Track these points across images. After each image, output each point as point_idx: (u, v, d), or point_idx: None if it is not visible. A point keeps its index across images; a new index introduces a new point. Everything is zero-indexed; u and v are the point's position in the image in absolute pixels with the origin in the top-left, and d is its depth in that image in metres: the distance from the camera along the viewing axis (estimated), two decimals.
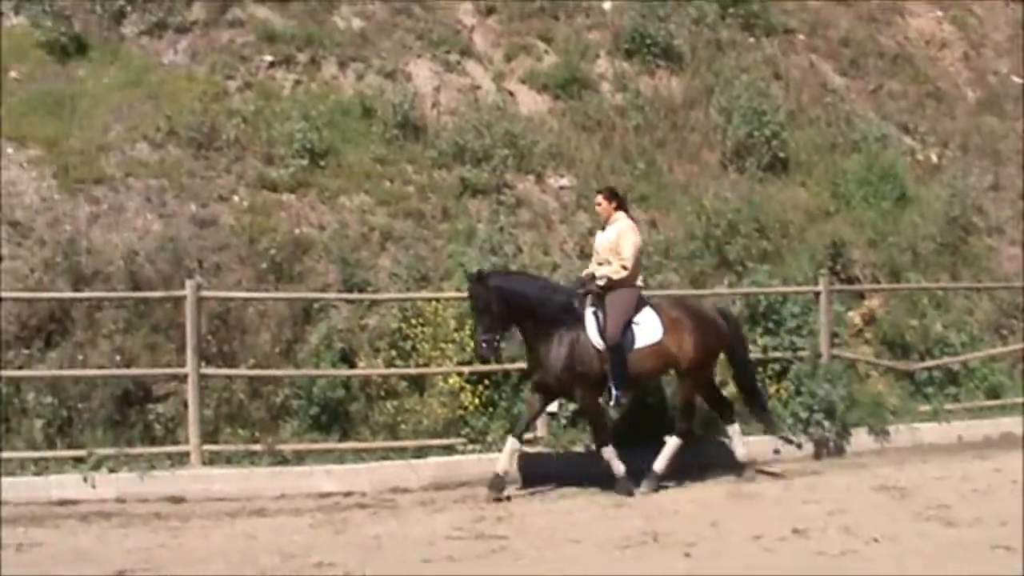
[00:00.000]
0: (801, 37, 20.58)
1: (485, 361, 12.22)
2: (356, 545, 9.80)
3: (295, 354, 13.26)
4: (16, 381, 12.28)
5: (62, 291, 12.95)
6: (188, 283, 12.37)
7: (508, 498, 11.54)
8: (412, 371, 13.19)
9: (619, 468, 11.72)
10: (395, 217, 15.10)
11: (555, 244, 15.61)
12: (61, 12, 16.44)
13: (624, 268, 11.72)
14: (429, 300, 13.50)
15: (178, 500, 11.37)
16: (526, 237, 15.45)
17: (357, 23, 17.86)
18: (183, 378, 12.24)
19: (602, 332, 11.51)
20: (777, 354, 14.15)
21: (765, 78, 19.10)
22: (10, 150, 14.32)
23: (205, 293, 12.58)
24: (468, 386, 12.99)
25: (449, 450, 12.63)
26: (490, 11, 18.92)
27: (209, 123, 15.25)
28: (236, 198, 14.63)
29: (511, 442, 11.63)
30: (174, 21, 16.95)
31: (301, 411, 12.63)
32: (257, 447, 12.20)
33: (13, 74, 15.66)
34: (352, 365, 13.20)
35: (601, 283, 11.74)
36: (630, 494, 11.60)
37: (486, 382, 13.14)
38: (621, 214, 12.10)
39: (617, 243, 11.84)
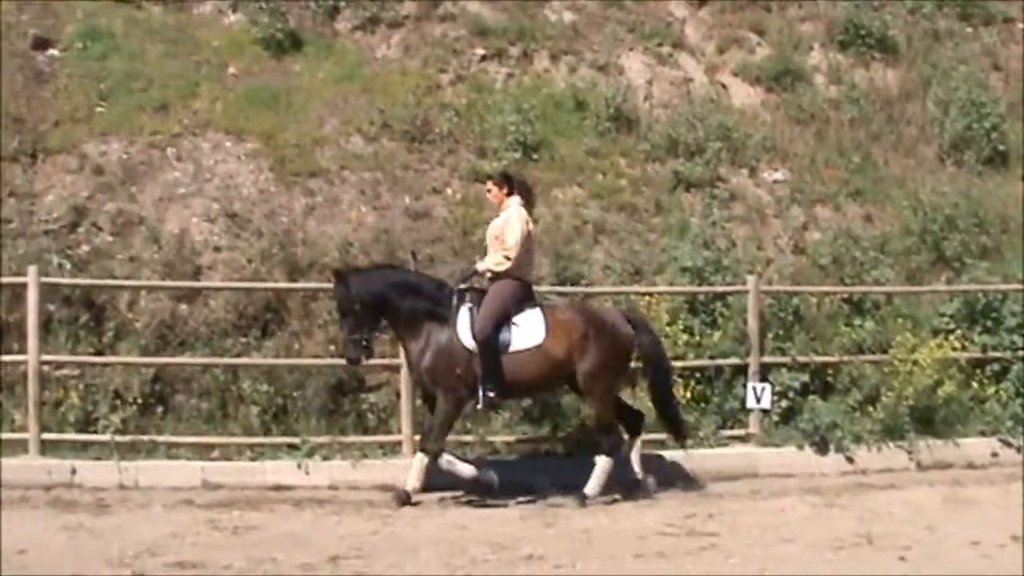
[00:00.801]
0: (1021, 26, 19.66)
1: (353, 363, 11.12)
2: (566, 538, 9.60)
3: None
4: (234, 368, 12.45)
5: (278, 281, 13.12)
6: None
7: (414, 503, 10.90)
8: None
9: (465, 470, 10.88)
10: (608, 211, 14.91)
11: (768, 238, 15.22)
12: (277, 9, 16.68)
13: (507, 259, 10.83)
14: (643, 294, 13.19)
15: (389, 488, 11.24)
16: (739, 231, 15.12)
17: (568, 16, 17.74)
18: (395, 368, 12.19)
19: (473, 329, 10.69)
20: (996, 354, 13.56)
21: (984, 69, 18.39)
22: (228, 143, 14.61)
23: None
24: (680, 380, 12.63)
25: (659, 444, 12.29)
26: (702, 3, 18.64)
27: (422, 116, 15.27)
28: (449, 190, 14.63)
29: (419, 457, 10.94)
30: (387, 16, 17.10)
31: (515, 404, 12.44)
32: (469, 438, 12.08)
33: (231, 70, 15.96)
34: None
35: (488, 276, 11.01)
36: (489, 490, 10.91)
37: (698, 376, 12.82)
38: (513, 201, 11.12)
39: (502, 232, 10.96)
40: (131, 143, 14.48)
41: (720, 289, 13.42)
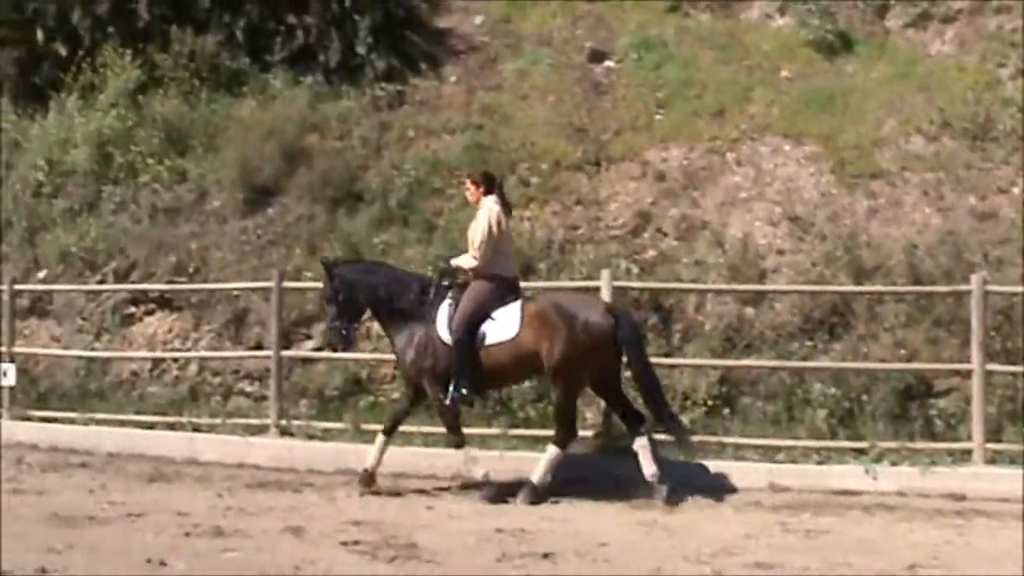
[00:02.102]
0: None
1: (335, 349, 12.01)
2: None
3: None
4: (800, 372, 12.44)
5: (843, 284, 12.99)
6: (973, 277, 11.81)
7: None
8: None
9: (477, 472, 10.81)
10: None
11: None
12: (826, 10, 16.59)
13: (474, 259, 10.79)
14: None
15: (959, 498, 10.83)
16: None
17: None
18: (966, 374, 11.77)
19: (450, 325, 10.72)
20: None
21: None
22: (787, 147, 14.67)
23: (991, 288, 12.05)
24: None
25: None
26: None
27: (983, 114, 14.66)
28: (1015, 190, 13.96)
29: (380, 438, 11.09)
30: (938, 11, 16.54)
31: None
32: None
33: (784, 73, 16.02)
34: None
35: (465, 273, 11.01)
36: (491, 500, 10.53)
37: None
38: (488, 200, 11.01)
39: (472, 231, 10.92)
40: (690, 149, 14.86)
41: None
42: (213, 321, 14.74)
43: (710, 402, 12.45)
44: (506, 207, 11.24)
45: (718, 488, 11.10)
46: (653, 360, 11.46)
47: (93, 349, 15.13)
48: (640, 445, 10.70)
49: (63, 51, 18.04)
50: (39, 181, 17.12)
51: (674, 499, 10.51)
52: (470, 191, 11.34)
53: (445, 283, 11.14)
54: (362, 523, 9.38)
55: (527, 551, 8.46)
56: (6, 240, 16.91)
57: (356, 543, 8.65)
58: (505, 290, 10.87)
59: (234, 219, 15.40)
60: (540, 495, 10.62)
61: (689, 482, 10.97)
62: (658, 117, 15.49)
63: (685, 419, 11.93)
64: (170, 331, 14.92)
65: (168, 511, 9.88)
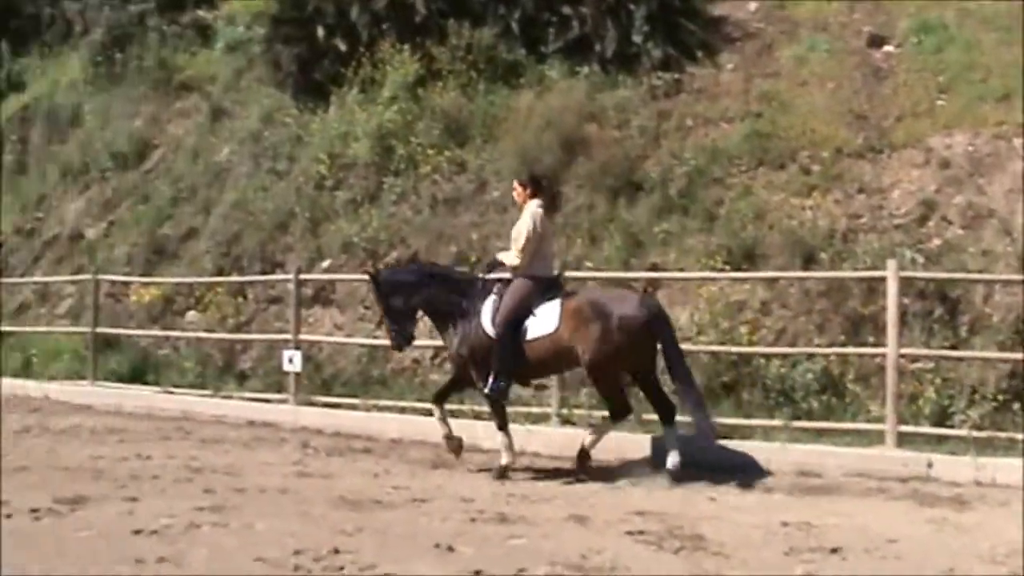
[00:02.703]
0: None
1: (397, 350, 12.74)
2: None
3: None
4: None
5: None
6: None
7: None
8: None
9: (505, 457, 11.42)
10: None
11: None
12: None
13: (516, 257, 11.35)
14: None
15: None
16: None
17: None
18: None
19: (494, 320, 11.27)
20: None
21: None
22: None
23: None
24: None
25: None
26: None
27: None
28: None
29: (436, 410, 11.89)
30: None
31: None
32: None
33: None
34: None
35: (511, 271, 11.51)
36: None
37: None
38: (532, 202, 11.50)
39: (517, 232, 11.40)
40: (975, 135, 14.47)
41: None
42: None
43: (999, 397, 12.14)
44: (551, 208, 12.01)
45: (1007, 486, 10.74)
46: (939, 352, 11.72)
47: (375, 337, 15.74)
48: (670, 435, 11.05)
49: (343, 47, 18.95)
50: (321, 174, 18.03)
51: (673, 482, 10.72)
52: (517, 191, 11.79)
53: (491, 278, 11.81)
54: (646, 513, 9.44)
55: (815, 546, 8.42)
56: (291, 231, 17.85)
57: (641, 533, 8.72)
58: (546, 287, 11.36)
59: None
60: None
61: (986, 481, 10.81)
62: (940, 102, 15.17)
63: (974, 414, 11.87)
64: None
65: (452, 497, 10.16)
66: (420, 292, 11.79)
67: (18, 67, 26.47)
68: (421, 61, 18.20)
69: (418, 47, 18.26)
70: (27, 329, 20.42)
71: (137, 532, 8.47)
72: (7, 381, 18.68)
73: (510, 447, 11.50)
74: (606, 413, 11.45)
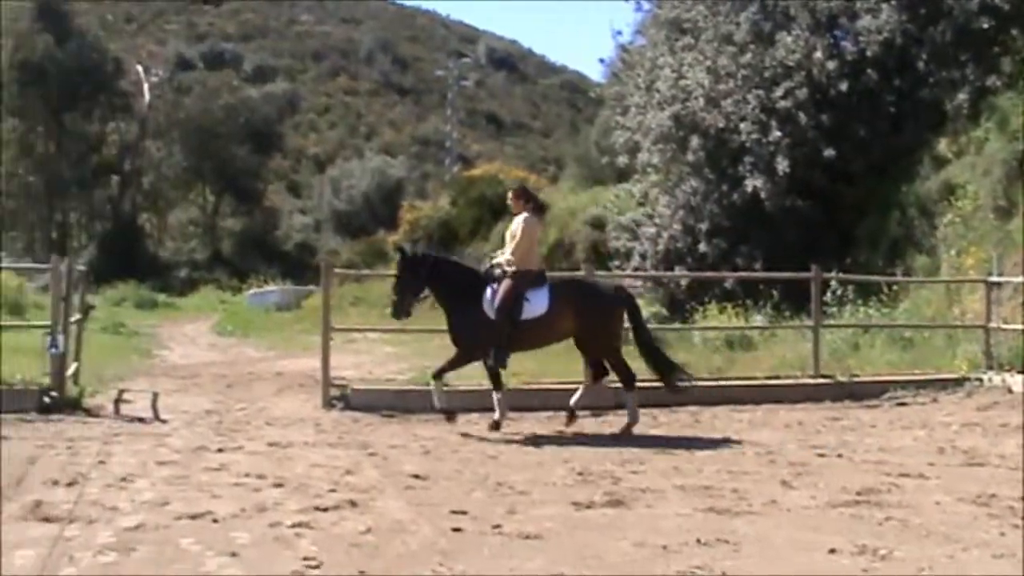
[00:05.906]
0: None
1: (396, 318, 13.98)
2: None
3: None
4: None
5: None
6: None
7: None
8: None
9: (499, 412, 13.30)
10: None
11: None
12: None
13: (512, 255, 13.30)
14: None
15: None
16: None
17: None
18: None
19: (493, 304, 13.27)
20: None
21: None
22: None
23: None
24: None
25: None
26: None
27: None
28: None
29: (433, 384, 13.56)
30: None
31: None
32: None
33: None
34: None
35: (507, 266, 13.41)
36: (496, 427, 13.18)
37: None
38: (524, 211, 13.53)
39: (513, 234, 13.46)
40: None
41: None
42: None
43: None
44: (538, 213, 13.96)
45: None
46: None
47: None
48: (630, 398, 13.37)
49: None
50: None
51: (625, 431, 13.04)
52: (512, 201, 13.87)
53: (491, 271, 13.64)
54: None
55: None
56: None
57: None
58: (535, 278, 13.47)
59: None
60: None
61: None
62: None
63: None
64: None
65: None
66: (438, 277, 13.68)
67: None
68: None
69: None
70: None
71: None
72: None
73: (503, 405, 13.39)
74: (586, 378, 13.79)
